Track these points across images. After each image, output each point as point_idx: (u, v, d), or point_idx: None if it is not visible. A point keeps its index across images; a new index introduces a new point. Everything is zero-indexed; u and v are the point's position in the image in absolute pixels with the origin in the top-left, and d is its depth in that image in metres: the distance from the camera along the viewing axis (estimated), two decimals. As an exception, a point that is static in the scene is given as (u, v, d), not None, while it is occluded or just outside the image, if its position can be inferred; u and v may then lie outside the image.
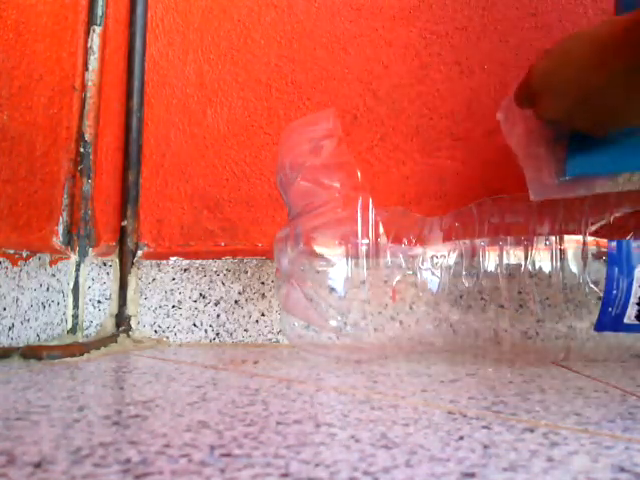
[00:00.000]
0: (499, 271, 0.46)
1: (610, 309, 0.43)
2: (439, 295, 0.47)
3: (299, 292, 0.46)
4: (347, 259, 0.46)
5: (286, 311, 0.47)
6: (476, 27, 0.65)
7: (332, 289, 0.46)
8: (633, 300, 0.43)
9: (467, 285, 0.46)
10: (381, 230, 0.47)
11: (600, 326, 0.44)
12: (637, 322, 0.43)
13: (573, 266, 0.45)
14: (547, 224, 0.47)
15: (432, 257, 0.47)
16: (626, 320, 0.43)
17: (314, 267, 0.46)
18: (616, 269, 0.43)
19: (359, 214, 0.47)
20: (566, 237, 0.45)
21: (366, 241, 0.46)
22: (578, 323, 0.46)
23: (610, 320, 0.44)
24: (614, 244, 0.44)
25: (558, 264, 0.45)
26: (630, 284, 0.43)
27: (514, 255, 0.46)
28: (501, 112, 0.46)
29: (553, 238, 0.46)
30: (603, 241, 0.44)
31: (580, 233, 0.45)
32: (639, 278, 0.43)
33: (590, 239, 0.45)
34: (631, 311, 0.43)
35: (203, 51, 0.70)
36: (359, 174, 0.48)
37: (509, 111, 0.46)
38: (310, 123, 0.54)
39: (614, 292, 0.43)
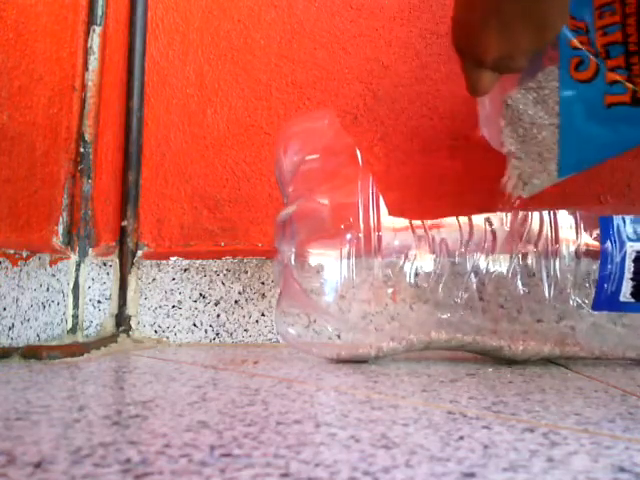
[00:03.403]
0: (498, 271, 0.46)
1: (606, 285, 0.44)
2: (439, 295, 0.47)
3: (297, 285, 0.46)
4: (347, 258, 0.46)
5: (286, 298, 0.47)
6: (476, 27, 0.65)
7: (329, 289, 0.46)
8: (627, 275, 0.43)
9: (467, 285, 0.46)
10: (384, 224, 0.46)
11: (597, 305, 0.45)
12: (633, 300, 0.44)
13: (567, 257, 0.46)
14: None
15: (432, 257, 0.47)
16: (622, 298, 0.44)
17: (310, 266, 0.46)
18: (608, 243, 0.44)
19: (360, 207, 0.46)
20: (560, 232, 0.46)
21: (364, 235, 0.46)
22: (578, 322, 0.46)
23: (606, 298, 0.44)
24: (605, 219, 0.45)
25: (552, 261, 0.46)
26: (623, 259, 0.44)
27: (512, 254, 0.46)
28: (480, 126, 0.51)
29: (547, 233, 0.46)
30: (594, 218, 0.45)
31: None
32: (631, 254, 0.44)
33: (583, 234, 0.46)
34: (626, 288, 0.44)
35: (203, 51, 0.70)
36: (360, 157, 0.48)
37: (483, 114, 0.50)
38: (308, 119, 0.54)
39: (609, 267, 0.44)
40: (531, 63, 0.41)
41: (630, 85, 0.43)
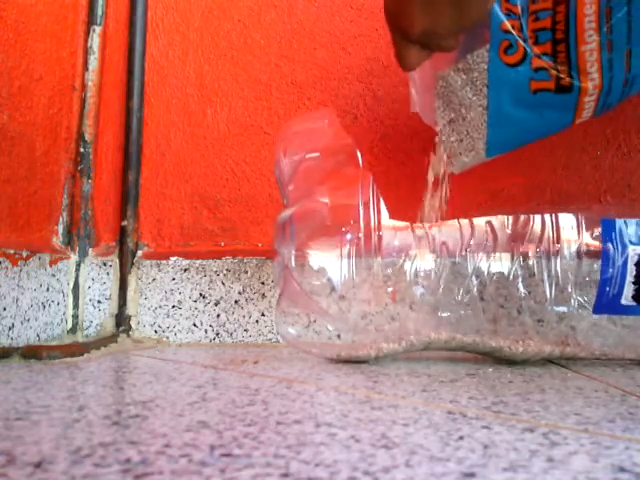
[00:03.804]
0: (499, 271, 0.46)
1: (607, 289, 0.44)
2: (439, 295, 0.47)
3: (297, 286, 0.46)
4: (347, 258, 0.46)
5: (286, 298, 0.47)
6: (476, 27, 0.65)
7: (330, 289, 0.46)
8: (629, 279, 0.43)
9: (467, 286, 0.46)
10: (384, 223, 0.46)
11: (599, 308, 0.44)
12: (634, 303, 0.44)
13: (568, 258, 0.46)
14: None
15: (432, 257, 0.47)
16: (623, 301, 0.44)
17: (310, 266, 0.46)
18: (610, 247, 0.44)
19: (360, 208, 0.46)
20: (562, 234, 0.46)
21: (364, 236, 0.46)
22: (579, 323, 0.46)
23: (608, 301, 0.44)
24: (607, 222, 0.45)
25: (553, 262, 0.46)
26: (625, 262, 0.44)
27: (513, 254, 0.46)
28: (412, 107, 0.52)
29: (549, 234, 0.46)
30: (596, 221, 0.45)
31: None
32: (633, 257, 0.44)
33: (584, 235, 0.46)
34: (628, 291, 0.44)
35: (203, 51, 0.70)
36: (360, 158, 0.48)
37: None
38: (308, 120, 0.54)
39: (610, 270, 0.44)
40: (464, 43, 0.42)
41: (554, 72, 0.44)
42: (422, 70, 0.45)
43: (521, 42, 0.44)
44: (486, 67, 0.45)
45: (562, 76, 0.43)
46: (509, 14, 0.44)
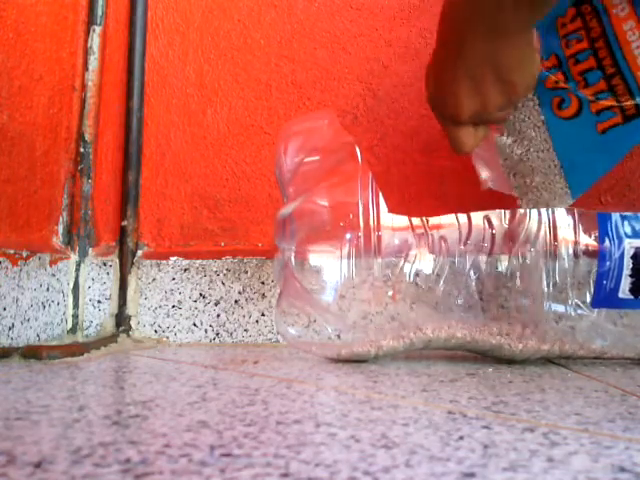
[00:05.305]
0: (498, 270, 0.46)
1: (604, 282, 0.44)
2: (439, 294, 0.47)
3: (297, 284, 0.46)
4: (347, 257, 0.46)
5: (286, 297, 0.47)
6: (476, 27, 0.65)
7: (330, 288, 0.46)
8: (626, 272, 0.44)
9: (466, 285, 0.46)
10: (384, 224, 0.46)
11: (596, 302, 0.45)
12: (631, 296, 0.44)
13: (566, 256, 0.46)
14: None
15: (432, 256, 0.47)
16: (620, 294, 0.44)
17: (310, 265, 0.46)
18: (607, 240, 0.44)
19: (360, 206, 0.46)
20: (559, 233, 0.46)
21: (364, 235, 0.46)
22: (578, 322, 0.46)
23: (605, 295, 0.44)
24: (603, 215, 0.45)
25: (551, 261, 0.46)
26: (621, 256, 0.44)
27: (512, 253, 0.46)
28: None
29: (546, 234, 0.46)
30: (592, 216, 0.45)
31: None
32: (629, 250, 0.44)
33: (582, 233, 0.46)
34: (625, 284, 0.44)
35: (203, 51, 0.70)
36: (359, 155, 0.48)
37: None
38: (308, 120, 0.54)
39: (607, 264, 0.44)
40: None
41: (618, 107, 0.44)
42: (481, 148, 0.45)
43: (572, 92, 0.44)
44: (534, 134, 0.45)
45: (627, 106, 0.43)
46: (549, 69, 0.45)
